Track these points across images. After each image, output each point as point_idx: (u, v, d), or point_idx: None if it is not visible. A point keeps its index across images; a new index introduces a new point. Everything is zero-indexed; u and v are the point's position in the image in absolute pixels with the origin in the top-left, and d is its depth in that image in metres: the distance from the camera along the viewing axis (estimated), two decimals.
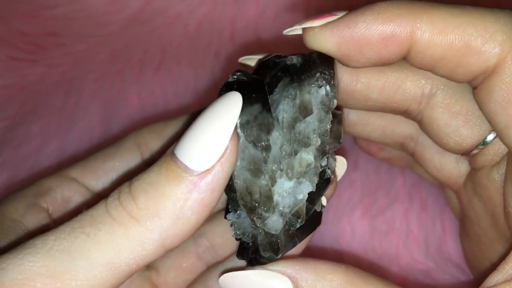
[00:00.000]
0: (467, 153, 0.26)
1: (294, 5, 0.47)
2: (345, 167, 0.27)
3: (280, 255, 0.22)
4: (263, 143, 0.21)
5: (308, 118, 0.22)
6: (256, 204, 0.22)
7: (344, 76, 0.25)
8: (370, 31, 0.21)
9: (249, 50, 0.45)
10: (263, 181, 0.22)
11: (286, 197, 0.22)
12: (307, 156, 0.22)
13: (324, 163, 0.23)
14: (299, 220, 0.22)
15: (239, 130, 0.21)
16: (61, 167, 0.38)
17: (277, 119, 0.22)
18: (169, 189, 0.19)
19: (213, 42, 0.45)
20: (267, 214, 0.22)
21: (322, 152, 0.23)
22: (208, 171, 0.19)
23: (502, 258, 0.24)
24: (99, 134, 0.40)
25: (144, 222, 0.19)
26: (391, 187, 0.36)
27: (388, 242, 0.34)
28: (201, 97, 0.42)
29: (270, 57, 0.24)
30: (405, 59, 0.22)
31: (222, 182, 0.20)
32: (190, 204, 0.19)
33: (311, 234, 0.25)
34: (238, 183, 0.22)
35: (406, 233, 0.35)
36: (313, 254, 0.29)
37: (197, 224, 0.20)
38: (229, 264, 0.27)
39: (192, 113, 0.27)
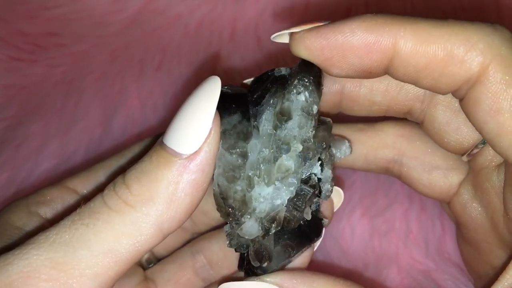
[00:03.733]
0: (468, 153, 0.26)
1: (294, 5, 0.47)
2: (342, 199, 0.28)
3: (265, 263, 0.23)
4: (238, 149, 0.22)
5: (288, 125, 0.22)
6: (230, 210, 0.22)
7: (347, 83, 0.26)
8: (354, 36, 0.21)
9: (249, 50, 0.45)
10: (238, 186, 0.22)
11: (263, 203, 0.23)
12: (287, 162, 0.22)
13: (315, 171, 0.24)
14: (273, 225, 0.22)
15: None
16: (61, 167, 0.38)
17: (258, 129, 0.23)
18: (161, 174, 0.20)
19: (213, 42, 0.45)
20: (243, 219, 0.22)
21: (304, 158, 0.23)
22: (196, 152, 0.20)
23: (503, 263, 0.24)
24: (99, 134, 0.40)
25: (140, 208, 0.20)
26: (390, 188, 0.36)
27: (388, 242, 0.34)
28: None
29: (266, 71, 0.24)
30: (388, 73, 0.22)
31: (211, 162, 0.20)
32: (183, 186, 0.20)
33: (311, 246, 0.25)
34: (215, 189, 0.23)
35: (406, 233, 0.35)
36: (313, 254, 0.29)
37: (192, 206, 0.20)
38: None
39: None
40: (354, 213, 0.35)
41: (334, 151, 0.26)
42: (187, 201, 0.20)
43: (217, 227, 0.30)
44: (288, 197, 0.23)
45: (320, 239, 0.25)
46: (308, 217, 0.23)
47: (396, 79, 0.23)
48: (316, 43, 0.22)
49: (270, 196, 0.23)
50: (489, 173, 0.25)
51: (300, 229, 0.24)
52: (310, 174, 0.23)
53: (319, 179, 0.24)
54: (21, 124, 0.41)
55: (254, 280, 0.22)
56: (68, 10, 0.47)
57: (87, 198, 0.21)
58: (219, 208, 0.23)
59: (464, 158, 0.27)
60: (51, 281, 0.18)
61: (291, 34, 0.23)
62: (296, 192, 0.23)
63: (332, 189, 0.24)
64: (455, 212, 0.28)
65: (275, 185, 0.22)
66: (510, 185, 0.24)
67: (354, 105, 0.26)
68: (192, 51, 0.45)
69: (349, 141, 0.27)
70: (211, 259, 0.28)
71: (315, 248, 0.26)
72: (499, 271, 0.22)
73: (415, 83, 0.22)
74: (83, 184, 0.26)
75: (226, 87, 0.23)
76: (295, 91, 0.22)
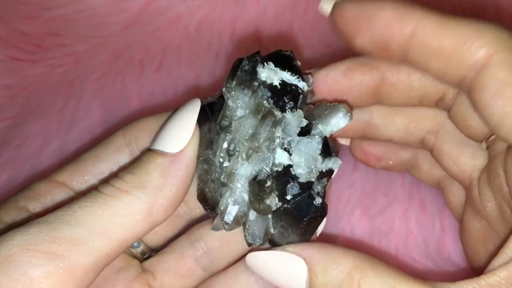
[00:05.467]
0: (487, 138, 0.27)
1: (294, 5, 0.47)
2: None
3: (252, 246, 0.25)
4: (201, 157, 0.25)
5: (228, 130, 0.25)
6: (206, 206, 0.26)
7: (387, 71, 0.28)
8: (382, 11, 0.24)
9: (249, 50, 0.45)
10: (207, 189, 0.25)
11: (223, 201, 0.25)
12: (230, 165, 0.24)
13: (281, 160, 0.24)
14: (223, 222, 0.25)
15: None
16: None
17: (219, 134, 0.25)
18: (152, 167, 0.23)
19: (214, 42, 0.46)
20: (215, 214, 0.26)
21: (247, 158, 0.24)
22: (181, 151, 0.23)
23: (503, 238, 0.25)
24: (99, 134, 0.40)
25: (133, 192, 0.22)
26: (390, 187, 0.36)
27: (388, 242, 0.34)
28: (201, 97, 0.42)
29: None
30: (406, 56, 0.24)
31: (193, 159, 0.24)
32: (170, 178, 0.23)
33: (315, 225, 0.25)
34: (197, 188, 0.26)
35: (406, 233, 0.35)
36: None
37: (177, 197, 0.23)
38: (232, 272, 0.28)
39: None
40: (354, 213, 0.35)
41: (320, 128, 0.25)
42: (173, 191, 0.23)
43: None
44: (235, 197, 0.24)
45: (322, 219, 0.25)
46: (273, 205, 0.24)
47: (411, 63, 0.25)
48: (351, 11, 0.25)
49: (226, 196, 0.25)
50: (503, 159, 0.25)
51: (287, 212, 0.24)
52: (261, 169, 0.24)
53: (290, 166, 0.24)
54: (22, 124, 0.41)
55: (277, 250, 0.24)
56: (69, 11, 0.47)
57: (79, 193, 0.24)
58: (201, 204, 0.26)
59: (483, 145, 0.27)
60: (49, 253, 0.20)
61: (335, 4, 0.26)
62: (250, 189, 0.24)
63: (312, 170, 0.24)
64: (471, 200, 0.29)
65: (228, 185, 0.24)
66: (493, 169, 0.25)
67: (393, 90, 0.28)
68: (192, 51, 0.45)
69: (347, 107, 0.26)
70: (211, 245, 0.28)
71: (323, 224, 0.26)
72: (499, 246, 0.23)
73: (427, 69, 0.24)
74: (71, 177, 0.27)
75: (209, 98, 0.26)
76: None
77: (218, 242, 0.28)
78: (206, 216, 0.30)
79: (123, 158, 0.27)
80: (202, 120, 0.25)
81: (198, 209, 0.29)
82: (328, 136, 0.25)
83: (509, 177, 0.25)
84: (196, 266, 0.28)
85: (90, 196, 0.22)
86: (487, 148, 0.28)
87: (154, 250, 0.30)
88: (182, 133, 0.24)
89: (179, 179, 0.23)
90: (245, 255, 0.28)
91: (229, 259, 0.29)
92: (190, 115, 0.24)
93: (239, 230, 0.26)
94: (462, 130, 0.28)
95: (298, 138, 0.24)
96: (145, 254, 0.29)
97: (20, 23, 0.46)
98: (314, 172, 0.24)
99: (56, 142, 0.40)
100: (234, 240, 0.28)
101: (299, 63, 0.25)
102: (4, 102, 0.42)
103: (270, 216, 0.24)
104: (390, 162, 0.33)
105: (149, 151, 0.24)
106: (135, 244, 0.29)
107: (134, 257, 0.29)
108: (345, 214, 0.35)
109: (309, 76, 0.25)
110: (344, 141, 0.34)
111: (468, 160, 0.28)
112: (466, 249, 0.31)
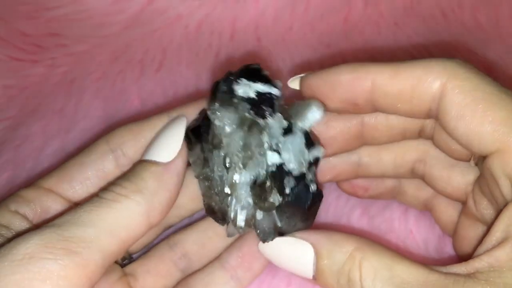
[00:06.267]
0: (473, 156, 0.28)
1: (294, 5, 0.47)
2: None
3: (266, 241, 0.27)
4: (201, 176, 0.27)
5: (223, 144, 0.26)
6: (216, 218, 0.28)
7: (365, 116, 0.29)
8: (341, 75, 0.27)
9: (249, 50, 0.45)
10: (213, 202, 0.27)
11: (231, 208, 0.27)
12: (232, 176, 0.26)
13: (274, 161, 0.25)
14: (238, 227, 0.27)
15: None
16: None
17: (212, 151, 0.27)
18: (147, 175, 0.25)
19: (213, 42, 0.46)
20: (226, 222, 0.27)
21: (243, 167, 0.26)
22: (172, 161, 0.26)
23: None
24: (100, 134, 0.40)
25: (132, 196, 0.24)
26: None
27: (388, 242, 0.34)
28: (201, 97, 0.42)
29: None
30: (374, 105, 0.27)
31: (183, 168, 0.26)
32: (163, 184, 0.25)
33: (311, 211, 0.27)
34: (204, 203, 0.28)
35: (406, 233, 0.35)
36: None
37: (170, 201, 0.26)
38: (209, 270, 0.30)
39: (166, 113, 0.29)
40: (354, 213, 0.35)
41: (300, 124, 0.27)
42: (167, 196, 0.25)
43: (193, 221, 0.32)
44: (242, 203, 0.26)
45: (320, 202, 0.27)
46: (276, 201, 0.26)
47: (381, 111, 0.27)
48: (315, 82, 0.28)
49: (233, 204, 0.26)
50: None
51: (289, 204, 0.26)
52: (258, 173, 0.26)
53: (282, 163, 0.26)
54: (22, 124, 0.41)
55: (287, 237, 0.26)
56: (69, 11, 0.47)
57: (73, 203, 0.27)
58: (210, 216, 0.28)
59: (471, 163, 0.29)
60: (65, 250, 0.22)
61: (301, 79, 0.29)
62: (253, 192, 0.26)
63: (302, 163, 0.26)
64: (467, 209, 0.29)
65: (233, 195, 0.26)
66: (483, 178, 0.26)
67: (374, 132, 0.30)
68: (192, 51, 0.45)
69: (319, 101, 0.28)
70: (189, 249, 0.31)
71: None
72: (483, 235, 0.24)
73: (396, 112, 0.27)
74: (58, 183, 0.27)
75: (199, 115, 0.28)
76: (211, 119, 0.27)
77: (195, 246, 0.31)
78: (182, 223, 0.32)
79: (107, 163, 0.28)
80: (191, 143, 0.27)
81: (174, 217, 0.31)
82: (308, 131, 0.27)
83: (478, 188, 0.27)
84: (175, 268, 0.31)
85: (93, 201, 0.24)
86: (476, 164, 0.29)
87: (132, 256, 0.31)
88: (172, 144, 0.27)
89: (171, 185, 0.26)
90: (219, 255, 0.31)
91: (204, 262, 0.31)
92: (178, 128, 0.27)
93: (211, 234, 0.30)
94: (448, 154, 0.29)
95: (283, 138, 0.26)
96: (125, 259, 0.31)
97: (20, 23, 0.46)
98: (304, 163, 0.26)
99: (56, 142, 0.40)
100: (210, 244, 0.31)
101: (267, 72, 0.27)
102: (4, 102, 0.42)
103: (274, 212, 0.26)
104: (377, 192, 0.34)
105: (141, 161, 0.26)
106: None
107: (116, 261, 0.30)
108: (345, 214, 0.35)
109: (278, 81, 0.27)
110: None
111: (459, 178, 0.30)
112: (463, 257, 0.31)
